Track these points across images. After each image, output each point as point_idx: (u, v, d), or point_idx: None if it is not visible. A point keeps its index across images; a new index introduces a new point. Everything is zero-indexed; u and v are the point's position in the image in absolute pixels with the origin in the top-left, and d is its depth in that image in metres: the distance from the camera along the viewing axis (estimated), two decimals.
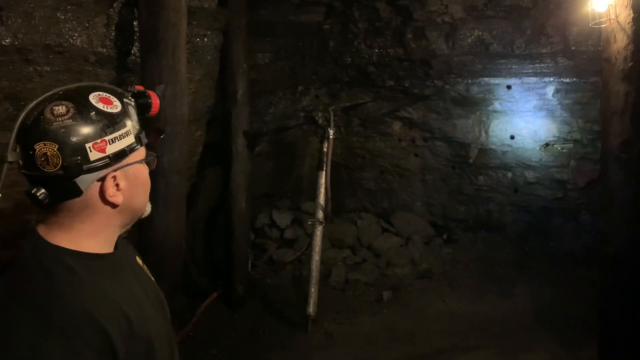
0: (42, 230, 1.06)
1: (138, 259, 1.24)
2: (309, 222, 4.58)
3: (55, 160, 0.99)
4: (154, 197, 3.26)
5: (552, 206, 5.32)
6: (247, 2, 4.39)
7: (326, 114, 4.66)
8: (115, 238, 1.15)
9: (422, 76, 5.09)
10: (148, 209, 1.19)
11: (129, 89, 1.15)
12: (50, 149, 0.98)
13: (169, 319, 1.23)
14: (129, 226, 1.17)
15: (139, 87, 1.17)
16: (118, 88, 1.13)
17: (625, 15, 3.16)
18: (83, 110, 1.02)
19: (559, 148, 5.03)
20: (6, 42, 2.33)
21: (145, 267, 1.26)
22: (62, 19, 2.54)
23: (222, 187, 4.79)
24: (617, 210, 3.36)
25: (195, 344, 3.98)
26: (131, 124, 1.09)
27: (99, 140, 1.02)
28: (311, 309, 4.26)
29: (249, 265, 5.06)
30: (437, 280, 5.10)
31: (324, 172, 4.52)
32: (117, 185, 1.07)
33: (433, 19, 4.65)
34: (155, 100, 1.17)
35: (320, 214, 4.49)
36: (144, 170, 1.15)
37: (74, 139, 1.00)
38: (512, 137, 5.22)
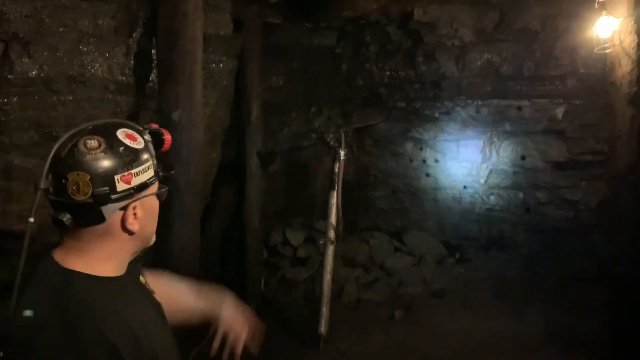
0: (57, 255, 1.16)
1: (142, 278, 1.34)
2: (321, 242, 4.64)
3: (85, 189, 1.09)
4: (169, 216, 3.34)
5: (563, 226, 5.31)
6: (262, 28, 4.53)
7: (337, 136, 4.74)
8: (127, 264, 1.25)
9: (433, 98, 5.17)
10: (153, 238, 1.31)
11: (145, 127, 1.27)
12: (82, 179, 1.08)
13: (170, 332, 1.33)
14: (137, 254, 1.28)
15: (154, 125, 1.29)
16: (138, 125, 1.24)
17: (630, 41, 3.22)
18: (113, 144, 1.13)
19: None
20: (33, 73, 2.48)
21: (149, 284, 1.37)
22: (84, 51, 2.69)
23: (236, 206, 4.89)
24: (625, 230, 3.40)
25: None
26: (151, 159, 1.20)
27: (126, 173, 1.13)
28: (323, 327, 4.30)
29: (262, 284, 5.13)
30: (449, 299, 5.10)
31: (335, 192, 4.59)
32: (135, 214, 1.18)
33: (443, 42, 4.75)
34: (167, 137, 1.28)
35: (332, 233, 4.54)
36: (156, 202, 1.26)
37: (104, 171, 1.10)
38: (523, 158, 5.23)
